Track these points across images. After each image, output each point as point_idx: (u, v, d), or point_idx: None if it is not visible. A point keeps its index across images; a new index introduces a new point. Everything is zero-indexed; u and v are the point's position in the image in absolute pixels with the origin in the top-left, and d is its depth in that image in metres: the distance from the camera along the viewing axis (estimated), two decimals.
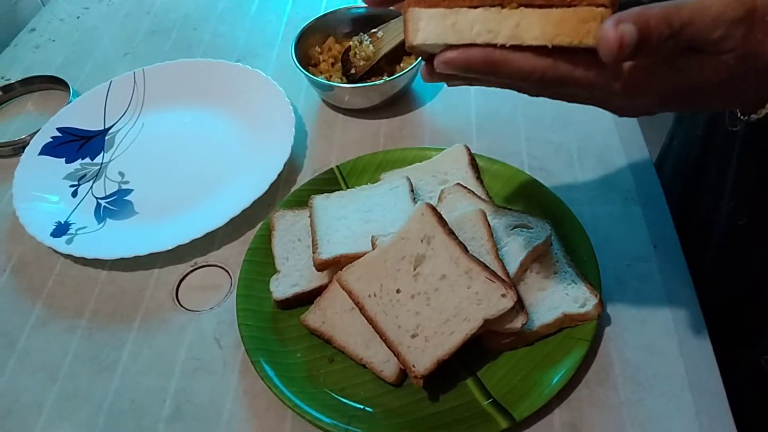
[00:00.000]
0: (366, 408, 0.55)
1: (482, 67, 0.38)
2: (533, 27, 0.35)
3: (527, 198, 0.68)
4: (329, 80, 0.84)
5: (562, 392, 0.55)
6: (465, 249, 0.56)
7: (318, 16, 0.88)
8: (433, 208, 0.58)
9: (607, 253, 0.64)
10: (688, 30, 0.35)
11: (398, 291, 0.55)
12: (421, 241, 0.57)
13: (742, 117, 0.44)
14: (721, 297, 0.65)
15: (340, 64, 0.86)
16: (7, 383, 0.62)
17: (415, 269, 0.56)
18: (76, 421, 0.58)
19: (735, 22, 0.36)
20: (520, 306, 0.55)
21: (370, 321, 0.55)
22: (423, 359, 0.53)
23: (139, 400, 0.59)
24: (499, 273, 0.56)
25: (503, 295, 0.54)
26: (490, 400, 0.55)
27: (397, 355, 0.54)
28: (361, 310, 0.55)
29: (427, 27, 0.37)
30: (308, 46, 0.87)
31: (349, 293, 0.56)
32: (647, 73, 0.38)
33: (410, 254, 0.56)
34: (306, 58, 0.86)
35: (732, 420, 0.53)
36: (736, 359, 0.61)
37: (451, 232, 0.57)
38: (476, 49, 0.37)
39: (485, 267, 0.55)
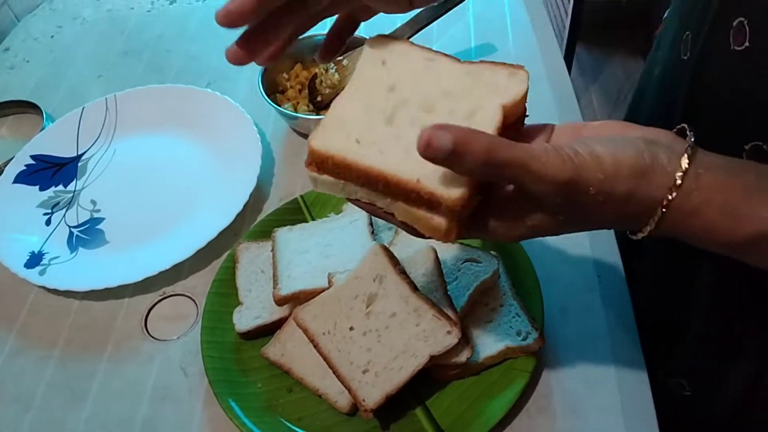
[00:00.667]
0: None
1: (368, 209, 0.46)
2: (400, 212, 0.43)
3: None
4: (296, 106, 0.87)
5: (504, 420, 0.59)
6: (414, 288, 0.60)
7: None
8: (386, 249, 0.61)
9: (553, 283, 0.68)
10: (509, 169, 0.39)
11: (351, 328, 0.59)
12: (374, 280, 0.60)
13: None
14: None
15: (307, 90, 0.89)
16: None
17: (367, 307, 0.60)
18: None
19: (557, 184, 0.39)
20: (465, 341, 0.59)
21: (325, 358, 0.58)
22: (373, 394, 0.57)
23: (110, 429, 0.63)
24: (447, 310, 0.59)
25: (448, 332, 0.57)
26: (438, 429, 0.58)
27: (348, 389, 0.57)
28: (316, 347, 0.59)
29: (323, 182, 0.45)
30: (276, 72, 0.90)
31: (305, 331, 0.60)
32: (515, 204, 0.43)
33: (363, 293, 0.60)
34: (273, 85, 0.89)
35: None
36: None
37: (402, 272, 0.60)
38: (362, 203, 0.45)
39: (433, 305, 0.59)
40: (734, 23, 0.51)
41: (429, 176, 0.41)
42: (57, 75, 1.02)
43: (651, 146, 0.41)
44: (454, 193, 0.40)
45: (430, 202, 0.41)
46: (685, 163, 0.40)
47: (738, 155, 0.51)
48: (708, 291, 0.62)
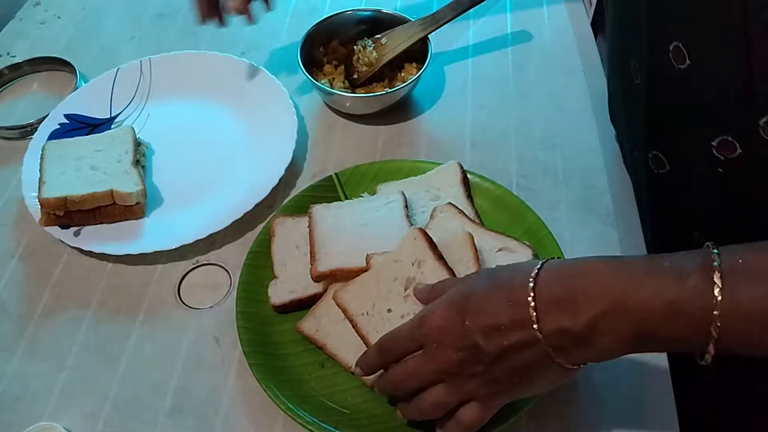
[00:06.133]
0: (352, 413, 0.61)
1: None
2: None
3: (513, 219, 0.72)
4: (332, 82, 0.87)
5: (532, 410, 0.60)
6: (453, 274, 0.61)
7: (324, 17, 0.90)
8: (425, 233, 0.62)
9: None
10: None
11: (389, 311, 0.60)
12: (412, 264, 0.61)
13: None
14: None
15: (343, 66, 0.89)
16: (17, 369, 0.66)
17: (405, 291, 0.60)
18: (82, 410, 0.63)
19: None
20: None
21: (363, 338, 0.59)
22: None
23: (142, 393, 0.64)
24: None
25: None
26: None
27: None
28: (355, 327, 0.60)
29: None
30: (313, 46, 0.89)
31: (344, 311, 0.61)
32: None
33: (402, 276, 0.61)
34: (310, 59, 0.89)
35: None
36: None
37: (441, 257, 0.61)
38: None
39: None
40: (671, 47, 0.55)
41: None
42: (89, 33, 1.01)
43: None
44: None
45: None
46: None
47: (708, 151, 0.56)
48: None
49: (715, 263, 0.42)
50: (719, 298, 0.41)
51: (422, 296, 0.57)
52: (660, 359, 0.64)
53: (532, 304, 0.46)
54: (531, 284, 0.47)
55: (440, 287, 0.55)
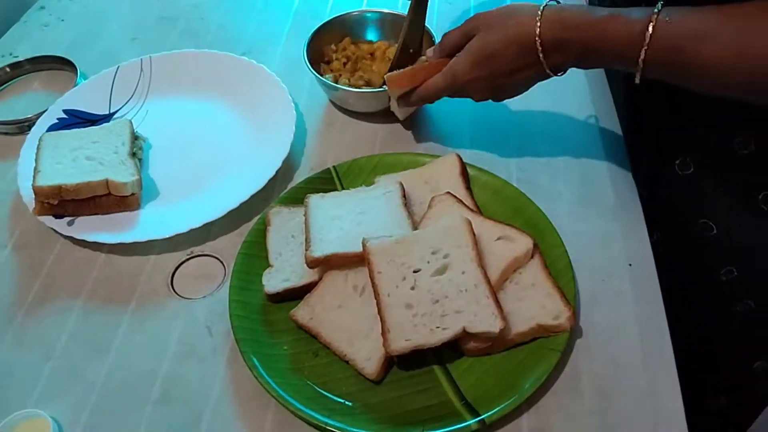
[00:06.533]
0: (346, 402, 0.59)
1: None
2: None
3: (513, 210, 0.71)
4: (338, 78, 0.86)
5: (532, 398, 0.58)
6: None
7: (339, 14, 0.90)
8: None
9: (584, 268, 0.67)
10: None
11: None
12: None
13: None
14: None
15: (351, 64, 0.88)
16: (3, 358, 0.64)
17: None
18: (68, 399, 0.61)
19: None
20: (499, 311, 0.58)
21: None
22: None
23: (130, 382, 0.62)
24: (483, 283, 0.59)
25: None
26: (464, 401, 0.58)
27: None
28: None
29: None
30: (323, 42, 0.89)
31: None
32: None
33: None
34: (319, 55, 0.89)
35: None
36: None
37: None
38: None
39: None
40: None
41: None
42: (91, 35, 1.02)
43: None
44: None
45: None
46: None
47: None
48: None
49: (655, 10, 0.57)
50: (655, 18, 0.57)
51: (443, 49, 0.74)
52: (665, 348, 0.62)
53: (540, 49, 0.64)
54: (538, 32, 0.64)
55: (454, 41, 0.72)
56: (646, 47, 0.57)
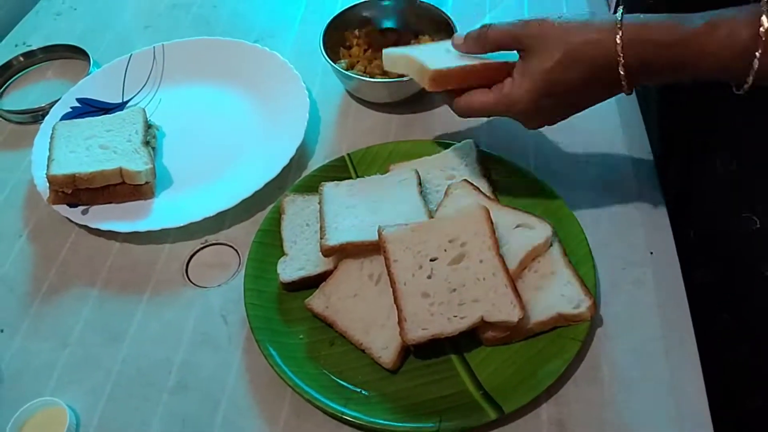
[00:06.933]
0: (362, 391, 0.58)
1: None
2: None
3: (531, 197, 0.70)
4: (354, 64, 0.85)
5: (551, 388, 0.57)
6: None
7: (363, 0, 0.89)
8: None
9: (604, 256, 0.66)
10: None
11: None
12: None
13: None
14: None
15: (372, 52, 0.86)
16: (19, 346, 0.64)
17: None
18: (84, 387, 0.61)
19: None
20: (518, 300, 0.57)
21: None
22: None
23: (146, 370, 0.62)
24: (501, 272, 0.58)
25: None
26: (482, 391, 0.57)
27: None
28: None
29: None
30: (348, 25, 0.88)
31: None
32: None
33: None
34: (340, 39, 0.87)
35: (711, 427, 0.56)
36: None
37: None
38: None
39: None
40: None
41: None
42: (103, 24, 1.01)
43: None
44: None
45: None
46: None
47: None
48: None
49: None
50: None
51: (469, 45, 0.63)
52: (687, 337, 0.61)
53: (623, 75, 0.55)
54: (620, 55, 0.54)
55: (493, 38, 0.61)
56: (759, 53, 0.49)
